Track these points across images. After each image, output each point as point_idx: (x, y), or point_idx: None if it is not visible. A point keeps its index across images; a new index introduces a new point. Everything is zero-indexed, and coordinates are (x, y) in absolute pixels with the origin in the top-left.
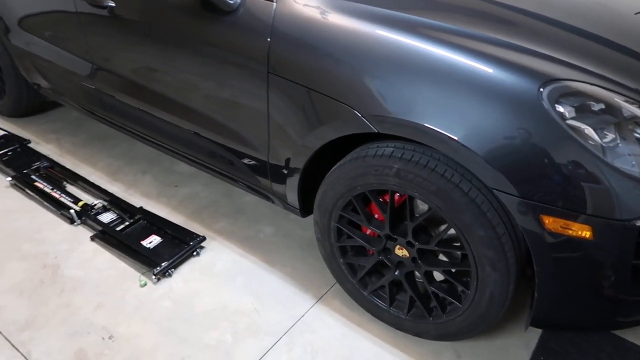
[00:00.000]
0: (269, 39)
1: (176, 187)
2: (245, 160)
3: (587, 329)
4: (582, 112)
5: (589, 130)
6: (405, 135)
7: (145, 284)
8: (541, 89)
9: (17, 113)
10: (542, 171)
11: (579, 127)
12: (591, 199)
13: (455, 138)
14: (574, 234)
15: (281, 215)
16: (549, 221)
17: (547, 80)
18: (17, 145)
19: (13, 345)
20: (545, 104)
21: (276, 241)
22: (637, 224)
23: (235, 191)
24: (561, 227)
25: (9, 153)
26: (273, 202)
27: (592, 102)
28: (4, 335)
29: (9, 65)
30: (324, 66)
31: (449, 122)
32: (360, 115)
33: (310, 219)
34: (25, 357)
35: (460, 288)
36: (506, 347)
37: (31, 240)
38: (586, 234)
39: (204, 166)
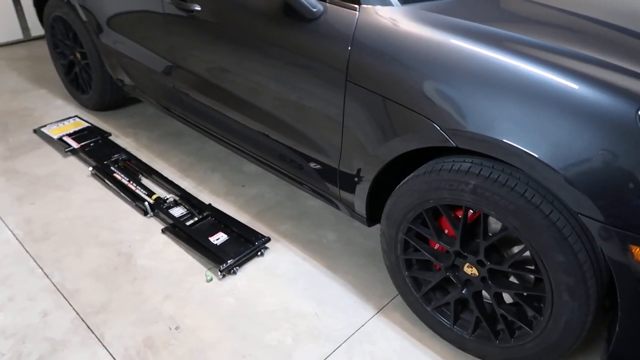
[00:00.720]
0: (349, 48)
1: (243, 186)
2: (315, 166)
3: None
4: None
5: None
6: (485, 151)
7: (211, 280)
8: (639, 112)
9: (101, 107)
10: (634, 198)
11: None
12: None
13: (539, 157)
14: None
15: (344, 222)
16: (638, 252)
17: None
18: (98, 137)
19: (88, 327)
20: None
21: (339, 247)
22: None
23: (300, 194)
24: None
25: (91, 144)
26: (338, 208)
27: None
28: (80, 317)
29: (97, 62)
30: (404, 77)
31: (534, 140)
32: (439, 128)
33: (373, 228)
34: (98, 339)
35: (531, 313)
36: None
37: (108, 228)
38: None
39: (272, 168)
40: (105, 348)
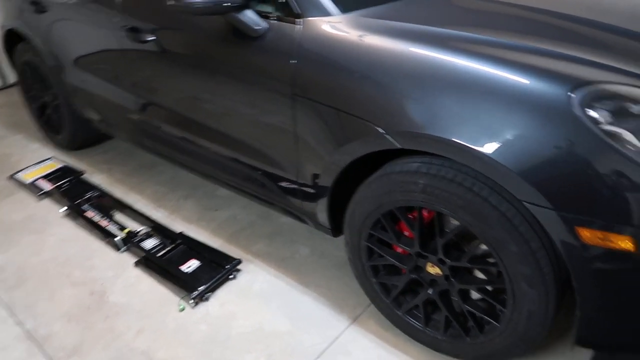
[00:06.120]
0: (293, 61)
1: (216, 210)
2: (276, 182)
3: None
4: (620, 115)
5: (628, 135)
6: (429, 150)
7: (184, 309)
8: (571, 94)
9: (75, 146)
10: (577, 181)
11: (615, 132)
12: (631, 207)
13: (482, 150)
14: (615, 246)
15: (317, 236)
16: (586, 234)
17: (577, 84)
18: (72, 177)
19: None
20: (576, 110)
21: (312, 261)
22: None
23: (273, 212)
24: (600, 239)
25: (66, 184)
26: (306, 223)
27: (631, 104)
28: None
29: (66, 103)
30: (346, 85)
31: (475, 135)
32: (383, 131)
33: None
34: None
35: (497, 307)
36: None
37: (81, 268)
38: (627, 245)
39: (240, 190)
40: None
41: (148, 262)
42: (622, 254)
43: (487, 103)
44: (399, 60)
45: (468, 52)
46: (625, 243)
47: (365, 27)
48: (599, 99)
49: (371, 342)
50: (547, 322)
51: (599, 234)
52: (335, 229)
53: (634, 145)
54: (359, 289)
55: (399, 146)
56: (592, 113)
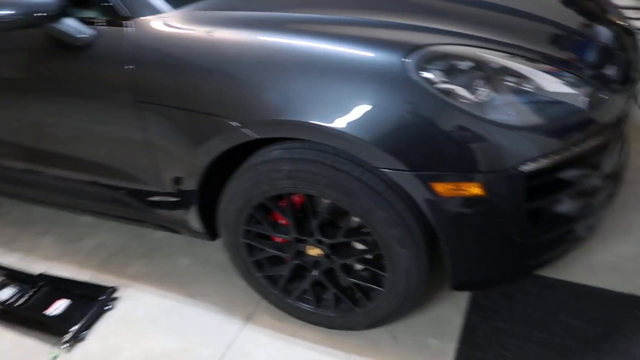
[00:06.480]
0: (130, 67)
1: (81, 241)
2: (140, 197)
3: (504, 281)
4: (451, 73)
5: (460, 90)
6: (287, 135)
7: (57, 356)
8: (405, 60)
9: None
10: (424, 140)
11: (450, 89)
12: (474, 156)
13: (335, 127)
14: (466, 193)
15: (196, 244)
16: (438, 187)
17: (409, 49)
18: None
19: None
20: (411, 73)
21: (195, 271)
22: (523, 169)
23: (146, 230)
24: (453, 190)
25: None
26: (181, 233)
27: (459, 62)
28: None
29: None
30: (190, 82)
31: (326, 113)
32: (238, 124)
33: None
34: None
35: (379, 273)
36: (439, 316)
37: None
38: (477, 190)
39: (104, 214)
40: None
41: (5, 315)
42: (475, 199)
43: (331, 80)
44: (239, 50)
45: (305, 33)
46: (475, 189)
47: (200, 20)
48: (430, 60)
49: (268, 336)
50: (424, 277)
51: (451, 185)
52: (211, 232)
53: (466, 99)
54: (247, 287)
55: (256, 137)
56: (426, 74)
